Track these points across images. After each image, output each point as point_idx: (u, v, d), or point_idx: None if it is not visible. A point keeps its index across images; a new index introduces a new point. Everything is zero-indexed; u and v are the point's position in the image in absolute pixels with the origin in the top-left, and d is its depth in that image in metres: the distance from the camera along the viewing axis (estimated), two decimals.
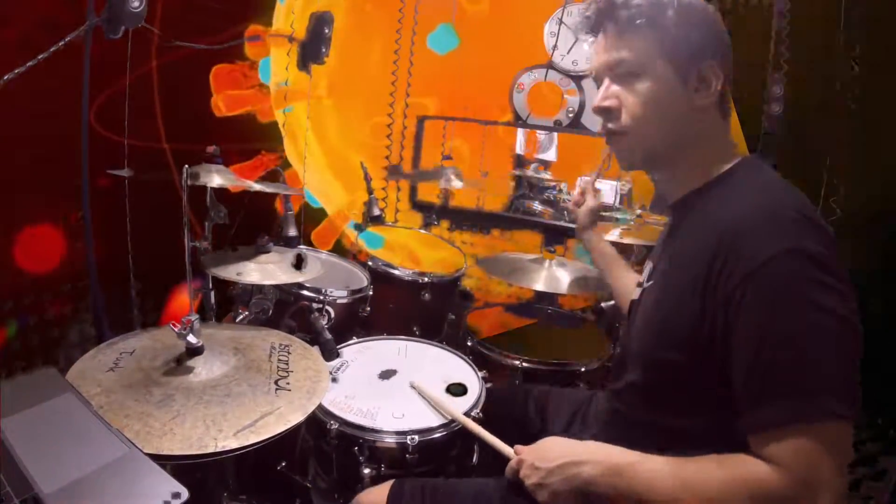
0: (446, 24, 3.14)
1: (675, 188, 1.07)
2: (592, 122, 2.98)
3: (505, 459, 1.18)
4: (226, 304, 1.85)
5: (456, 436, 1.36)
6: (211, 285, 1.70)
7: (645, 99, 0.98)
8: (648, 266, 1.17)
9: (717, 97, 0.99)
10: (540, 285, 1.99)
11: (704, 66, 0.97)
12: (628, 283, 1.50)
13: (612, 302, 1.74)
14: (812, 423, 0.79)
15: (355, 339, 1.72)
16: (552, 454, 1.01)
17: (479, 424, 1.39)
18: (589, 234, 1.67)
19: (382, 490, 1.20)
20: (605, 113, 1.03)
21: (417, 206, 3.22)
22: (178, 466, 0.96)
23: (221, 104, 2.72)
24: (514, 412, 1.46)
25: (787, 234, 0.84)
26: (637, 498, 0.90)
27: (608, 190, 2.95)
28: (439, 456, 1.36)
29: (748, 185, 0.96)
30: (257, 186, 1.66)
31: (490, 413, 1.44)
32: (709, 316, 0.89)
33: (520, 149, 3.29)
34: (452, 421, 1.36)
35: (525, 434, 1.41)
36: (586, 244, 1.68)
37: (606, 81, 1.02)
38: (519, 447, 1.13)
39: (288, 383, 1.23)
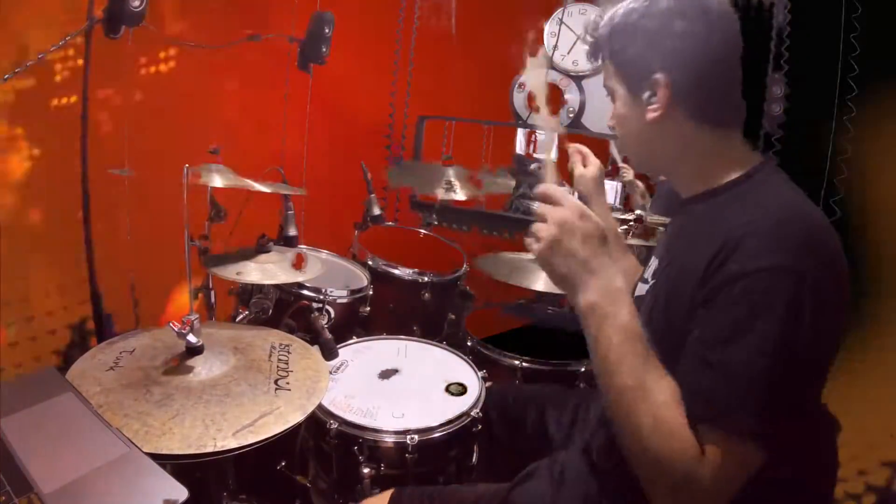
0: None
1: (682, 189, 1.07)
2: (592, 122, 2.98)
3: (507, 460, 1.17)
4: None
5: (456, 436, 1.36)
6: (211, 285, 1.70)
7: (618, 119, 1.06)
8: (654, 263, 1.15)
9: (663, 109, 0.96)
10: (540, 285, 1.98)
11: (653, 78, 0.96)
12: (628, 269, 1.48)
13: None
14: (738, 436, 0.80)
15: (355, 339, 1.72)
16: (580, 244, 0.90)
17: (478, 424, 1.39)
18: (596, 205, 1.55)
19: (382, 499, 1.20)
20: (614, 130, 1.11)
21: (417, 205, 3.21)
22: (178, 466, 0.96)
23: None
24: (513, 411, 1.46)
25: (791, 253, 0.83)
26: (604, 360, 0.88)
27: (608, 190, 2.95)
28: (439, 456, 1.36)
29: (763, 194, 0.94)
30: (257, 186, 1.66)
31: (489, 412, 1.44)
32: (700, 302, 0.89)
33: (520, 149, 3.29)
34: (453, 421, 1.35)
35: (524, 434, 1.41)
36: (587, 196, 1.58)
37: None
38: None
39: (288, 383, 1.23)
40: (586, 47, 1.10)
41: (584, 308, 0.90)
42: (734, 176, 0.98)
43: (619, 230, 1.85)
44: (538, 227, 0.91)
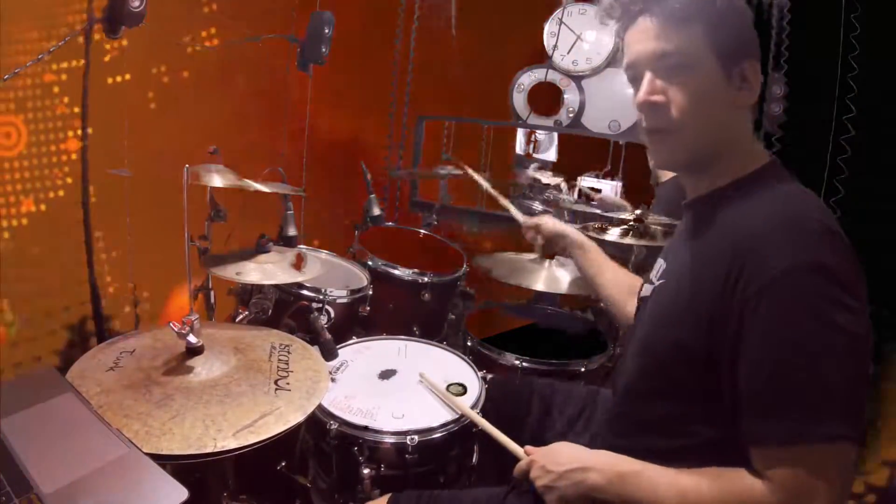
0: None
1: (699, 187, 1.04)
2: (592, 122, 2.98)
3: (507, 460, 1.17)
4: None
5: (456, 436, 1.36)
6: (211, 285, 1.70)
7: (692, 95, 0.93)
8: (660, 264, 1.14)
9: (757, 97, 0.96)
10: (540, 285, 1.98)
11: (746, 64, 0.95)
12: (619, 284, 1.49)
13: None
14: (813, 444, 0.79)
15: (355, 339, 1.72)
16: (562, 458, 1.03)
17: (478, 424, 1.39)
18: (571, 250, 1.61)
19: None
20: (652, 108, 0.96)
21: (417, 205, 3.21)
22: (178, 466, 0.96)
23: None
24: (518, 406, 1.45)
25: (806, 247, 0.82)
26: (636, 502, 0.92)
27: (608, 190, 2.95)
28: (439, 456, 1.36)
29: (772, 192, 0.93)
30: (257, 186, 1.66)
31: (493, 406, 1.44)
32: (720, 323, 0.88)
33: (520, 149, 3.29)
34: (452, 421, 1.36)
35: (528, 429, 1.41)
36: (577, 260, 1.61)
37: (649, 75, 0.95)
38: (529, 448, 1.13)
39: (288, 383, 1.23)
40: (641, 3, 0.95)
41: (591, 491, 0.98)
42: (741, 175, 0.98)
43: (619, 231, 1.85)
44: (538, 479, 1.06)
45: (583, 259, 1.58)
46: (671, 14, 0.93)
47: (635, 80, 0.99)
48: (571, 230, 1.64)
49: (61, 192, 2.07)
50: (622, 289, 1.46)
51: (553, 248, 1.72)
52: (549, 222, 1.69)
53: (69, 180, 2.07)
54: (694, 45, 0.92)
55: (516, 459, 1.17)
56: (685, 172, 1.07)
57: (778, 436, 0.80)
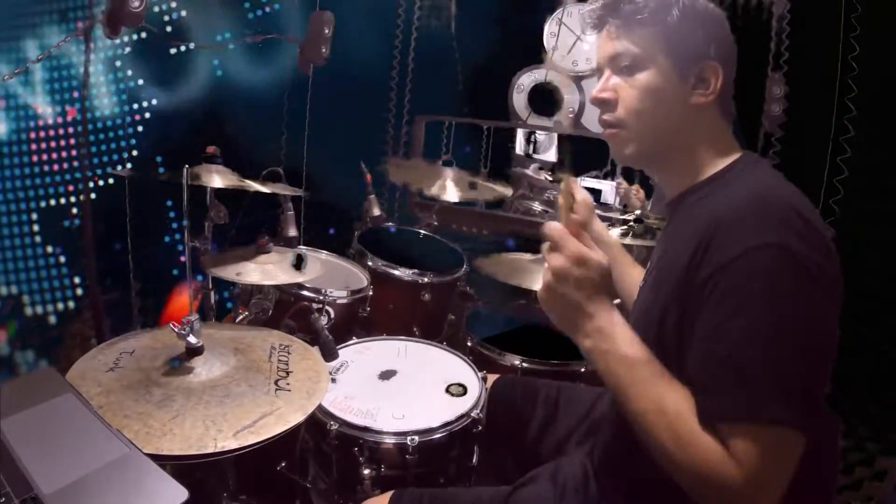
0: None
1: (671, 186, 1.07)
2: (592, 122, 2.98)
3: (507, 460, 1.17)
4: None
5: (456, 436, 1.36)
6: (211, 285, 1.70)
7: (643, 92, 0.99)
8: (648, 265, 1.17)
9: (714, 97, 0.98)
10: (540, 285, 1.98)
11: (704, 65, 0.97)
12: (635, 280, 1.48)
13: (615, 302, 1.70)
14: (762, 426, 0.79)
15: (355, 340, 1.72)
16: (590, 291, 0.90)
17: (479, 425, 1.39)
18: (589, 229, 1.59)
19: (381, 500, 1.19)
20: (602, 104, 1.03)
21: (417, 205, 3.21)
22: (178, 467, 0.96)
23: None
24: (523, 406, 1.45)
25: (770, 229, 0.83)
26: (616, 389, 0.89)
27: (608, 190, 2.95)
28: (439, 457, 1.36)
29: (742, 179, 0.95)
30: (257, 186, 1.66)
31: (498, 406, 1.44)
32: (686, 308, 0.89)
33: (520, 149, 3.29)
34: (453, 421, 1.35)
35: (532, 429, 1.41)
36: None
37: (607, 73, 1.03)
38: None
39: (288, 384, 1.23)
40: (600, 11, 1.02)
41: (585, 349, 0.91)
42: (717, 169, 1.00)
43: (619, 231, 1.85)
44: (543, 272, 0.93)
45: (607, 239, 1.53)
46: (628, 18, 0.99)
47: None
48: (597, 223, 1.55)
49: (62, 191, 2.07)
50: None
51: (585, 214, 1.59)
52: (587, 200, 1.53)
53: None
54: (647, 46, 0.98)
55: (518, 460, 1.17)
56: (645, 168, 1.14)
57: (725, 414, 0.81)
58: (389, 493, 1.19)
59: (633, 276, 1.46)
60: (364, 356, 1.64)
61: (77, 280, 2.16)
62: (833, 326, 0.85)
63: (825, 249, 0.85)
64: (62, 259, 2.14)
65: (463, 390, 1.49)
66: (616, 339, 0.89)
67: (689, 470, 0.82)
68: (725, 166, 1.00)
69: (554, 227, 0.90)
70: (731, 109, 1.03)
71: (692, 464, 0.81)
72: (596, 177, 3.00)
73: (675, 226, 1.05)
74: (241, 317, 1.77)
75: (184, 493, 0.76)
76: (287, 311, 1.70)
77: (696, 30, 0.97)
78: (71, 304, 2.16)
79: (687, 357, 0.88)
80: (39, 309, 2.10)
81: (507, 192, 2.61)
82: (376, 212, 2.36)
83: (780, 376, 0.79)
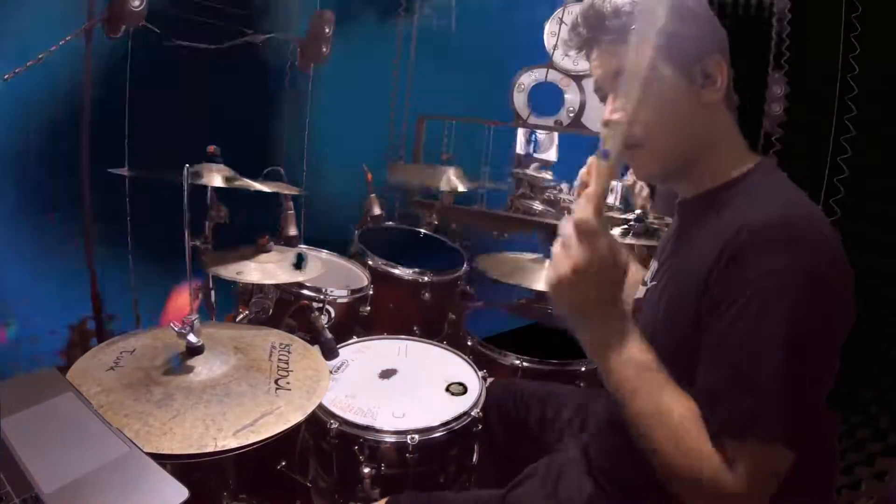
0: None
1: (688, 187, 1.05)
2: (592, 122, 2.98)
3: (507, 460, 1.17)
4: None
5: (456, 436, 1.36)
6: (211, 285, 1.70)
7: (655, 106, 0.94)
8: (654, 265, 1.15)
9: (724, 92, 0.97)
10: (540, 285, 1.98)
11: (707, 61, 0.95)
12: (636, 279, 1.48)
13: None
14: (765, 442, 0.80)
15: (355, 339, 1.72)
16: (601, 290, 0.87)
17: (479, 424, 1.39)
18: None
19: None
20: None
21: (417, 205, 3.21)
22: (178, 466, 0.96)
23: None
24: (518, 408, 1.45)
25: (801, 253, 0.82)
26: (619, 391, 0.87)
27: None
28: (439, 456, 1.36)
29: (764, 193, 0.93)
30: (257, 186, 1.66)
31: (490, 408, 1.44)
32: (698, 312, 0.88)
33: (520, 149, 3.29)
34: (453, 420, 1.35)
35: (529, 429, 1.41)
36: None
37: (611, 95, 0.98)
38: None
39: (288, 383, 1.23)
40: (586, 32, 0.98)
41: (593, 347, 0.89)
42: (734, 175, 0.98)
43: (620, 230, 1.85)
44: (558, 259, 0.86)
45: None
46: (616, 35, 0.95)
47: (605, 100, 1.02)
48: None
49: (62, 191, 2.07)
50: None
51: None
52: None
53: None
54: (644, 56, 0.93)
55: (518, 460, 1.17)
56: (669, 182, 1.09)
57: (731, 426, 0.81)
58: (384, 501, 1.19)
59: (635, 276, 1.46)
60: (364, 355, 1.64)
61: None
62: (843, 343, 0.85)
63: (847, 271, 0.85)
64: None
65: (463, 389, 1.49)
66: (629, 341, 0.87)
67: (688, 476, 0.82)
68: (744, 172, 0.97)
69: (586, 221, 0.84)
70: (736, 103, 1.01)
71: (691, 471, 0.81)
72: None
73: (690, 228, 1.02)
74: (241, 316, 1.77)
75: (184, 493, 0.76)
76: (287, 310, 1.71)
77: (690, 27, 0.95)
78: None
79: (693, 362, 0.88)
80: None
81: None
82: (377, 211, 2.37)
83: (788, 396, 0.80)
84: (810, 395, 0.83)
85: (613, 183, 2.77)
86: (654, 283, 1.09)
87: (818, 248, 0.83)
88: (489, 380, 1.55)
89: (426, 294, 2.06)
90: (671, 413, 0.84)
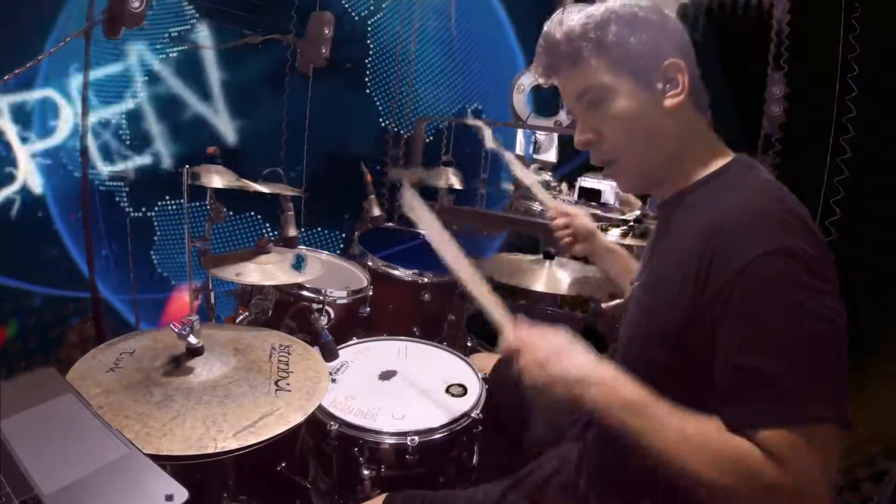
0: None
1: (667, 188, 1.06)
2: None
3: (507, 460, 1.17)
4: None
5: (456, 437, 1.36)
6: (211, 286, 1.70)
7: (619, 120, 0.98)
8: (639, 265, 1.17)
9: (686, 93, 0.97)
10: (540, 285, 1.98)
11: (666, 66, 0.96)
12: (620, 270, 1.49)
13: (615, 302, 1.70)
14: (798, 426, 0.79)
15: (355, 340, 1.72)
16: (565, 362, 0.94)
17: (479, 424, 1.39)
18: (592, 243, 1.57)
19: (374, 503, 1.19)
20: (587, 145, 1.03)
21: None
22: (178, 467, 0.96)
23: None
24: (519, 404, 1.45)
25: (773, 235, 0.83)
26: (636, 436, 0.87)
27: (608, 190, 2.95)
28: (439, 457, 1.36)
29: (738, 185, 0.94)
30: (257, 186, 1.66)
31: (491, 405, 1.44)
32: (697, 317, 0.88)
33: (520, 149, 3.29)
34: (453, 422, 1.35)
35: (526, 429, 1.41)
36: (591, 257, 1.59)
37: (581, 117, 1.03)
38: (520, 327, 1.03)
39: (288, 384, 1.23)
40: (545, 60, 1.02)
41: (591, 411, 0.92)
42: (709, 171, 0.99)
43: (619, 231, 1.85)
44: (523, 363, 0.97)
45: (615, 264, 1.53)
46: (573, 59, 0.99)
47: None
48: (600, 233, 1.59)
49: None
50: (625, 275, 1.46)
51: (581, 246, 1.58)
52: (583, 216, 1.60)
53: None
54: (601, 74, 0.98)
55: (518, 460, 1.17)
56: (651, 190, 1.13)
57: (758, 421, 0.80)
58: (382, 497, 1.19)
59: (618, 266, 1.48)
60: (364, 356, 1.64)
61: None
62: (842, 322, 0.84)
63: (822, 246, 0.85)
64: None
65: (463, 390, 1.49)
66: (617, 389, 0.90)
67: (733, 481, 0.81)
68: (719, 168, 0.99)
69: (506, 346, 1.00)
70: (706, 104, 1.02)
71: (734, 473, 0.80)
72: (595, 177, 3.00)
73: (669, 228, 1.04)
74: (241, 317, 1.77)
75: (184, 494, 0.75)
76: (287, 311, 1.70)
77: (641, 36, 0.97)
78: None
79: (694, 362, 0.89)
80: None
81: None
82: (376, 212, 2.36)
83: (809, 377, 0.79)
84: (834, 361, 0.81)
85: (613, 184, 2.78)
86: (638, 282, 1.11)
87: (788, 224, 0.84)
88: (489, 373, 1.55)
89: (426, 295, 2.06)
90: (687, 432, 0.84)
